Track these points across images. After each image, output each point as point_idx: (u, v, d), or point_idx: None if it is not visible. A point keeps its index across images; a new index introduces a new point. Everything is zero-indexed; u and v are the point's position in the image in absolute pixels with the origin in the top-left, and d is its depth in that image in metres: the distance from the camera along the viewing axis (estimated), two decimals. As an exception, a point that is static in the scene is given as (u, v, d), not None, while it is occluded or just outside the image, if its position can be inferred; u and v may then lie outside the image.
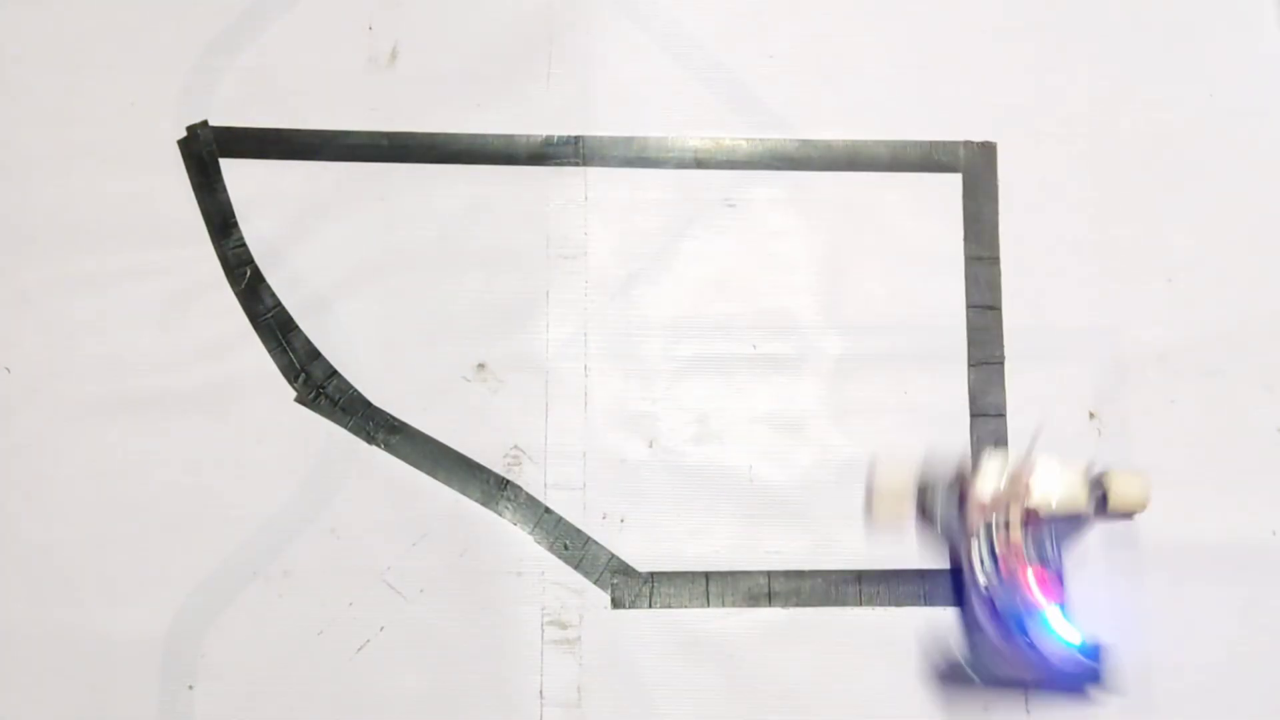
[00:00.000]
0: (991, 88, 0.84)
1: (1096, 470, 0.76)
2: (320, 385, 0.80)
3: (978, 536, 0.74)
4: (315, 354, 0.80)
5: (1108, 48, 0.85)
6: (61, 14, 0.83)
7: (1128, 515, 0.78)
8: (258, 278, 0.81)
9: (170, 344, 0.80)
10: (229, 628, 0.77)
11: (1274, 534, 0.80)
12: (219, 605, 0.77)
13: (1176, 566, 0.79)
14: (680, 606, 0.79)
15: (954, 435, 0.80)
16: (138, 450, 0.79)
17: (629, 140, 0.83)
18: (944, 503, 0.77)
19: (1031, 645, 0.72)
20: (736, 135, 0.83)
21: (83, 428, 0.79)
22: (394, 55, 0.84)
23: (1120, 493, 0.76)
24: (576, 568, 0.78)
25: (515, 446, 0.80)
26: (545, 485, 0.80)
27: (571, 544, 0.79)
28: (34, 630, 0.77)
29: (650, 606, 0.78)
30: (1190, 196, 0.83)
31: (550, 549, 0.79)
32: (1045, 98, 0.84)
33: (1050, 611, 0.72)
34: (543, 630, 0.78)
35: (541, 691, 0.77)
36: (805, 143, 0.84)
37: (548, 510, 0.79)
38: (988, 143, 0.84)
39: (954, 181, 0.83)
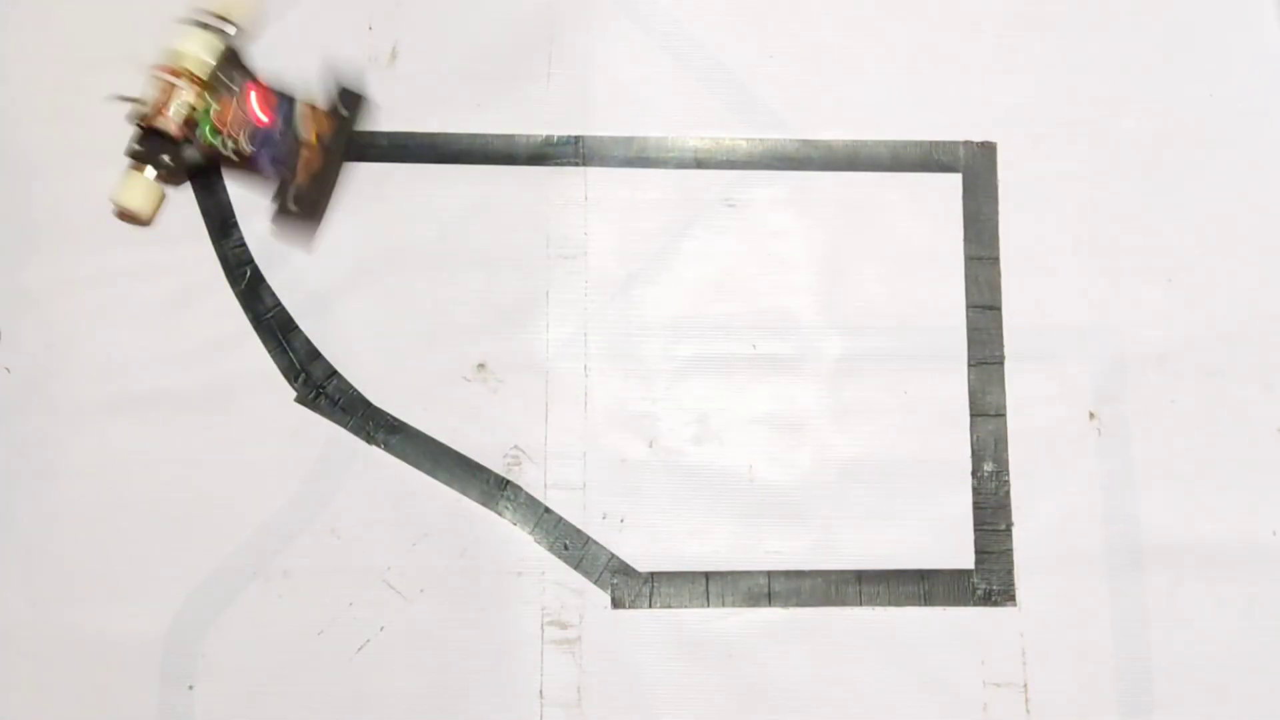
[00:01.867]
0: (991, 88, 0.84)
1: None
2: (320, 385, 0.80)
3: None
4: (315, 354, 0.80)
5: (1108, 48, 0.85)
6: (61, 14, 0.83)
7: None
8: (258, 278, 0.81)
9: (170, 344, 0.80)
10: (229, 628, 0.77)
11: (1274, 534, 0.80)
12: (219, 605, 0.77)
13: (1176, 566, 0.79)
14: (680, 606, 0.79)
15: (954, 435, 0.80)
16: (138, 450, 0.79)
17: (629, 140, 0.83)
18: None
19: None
20: (736, 135, 0.83)
21: (83, 428, 0.79)
22: (394, 55, 0.84)
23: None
24: (576, 568, 0.79)
25: (515, 446, 0.80)
26: (545, 485, 0.80)
27: (571, 544, 0.79)
28: (34, 630, 0.77)
29: (650, 606, 0.78)
30: (1190, 196, 0.83)
31: (550, 549, 0.79)
32: (1045, 98, 0.84)
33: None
34: (543, 630, 0.78)
35: (541, 691, 0.77)
36: (805, 143, 0.84)
37: (548, 510, 0.79)
38: (988, 143, 0.84)
39: (954, 181, 0.83)
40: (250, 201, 0.81)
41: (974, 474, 0.80)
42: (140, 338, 0.80)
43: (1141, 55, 0.85)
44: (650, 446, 0.80)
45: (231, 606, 0.77)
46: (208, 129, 0.76)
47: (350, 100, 0.78)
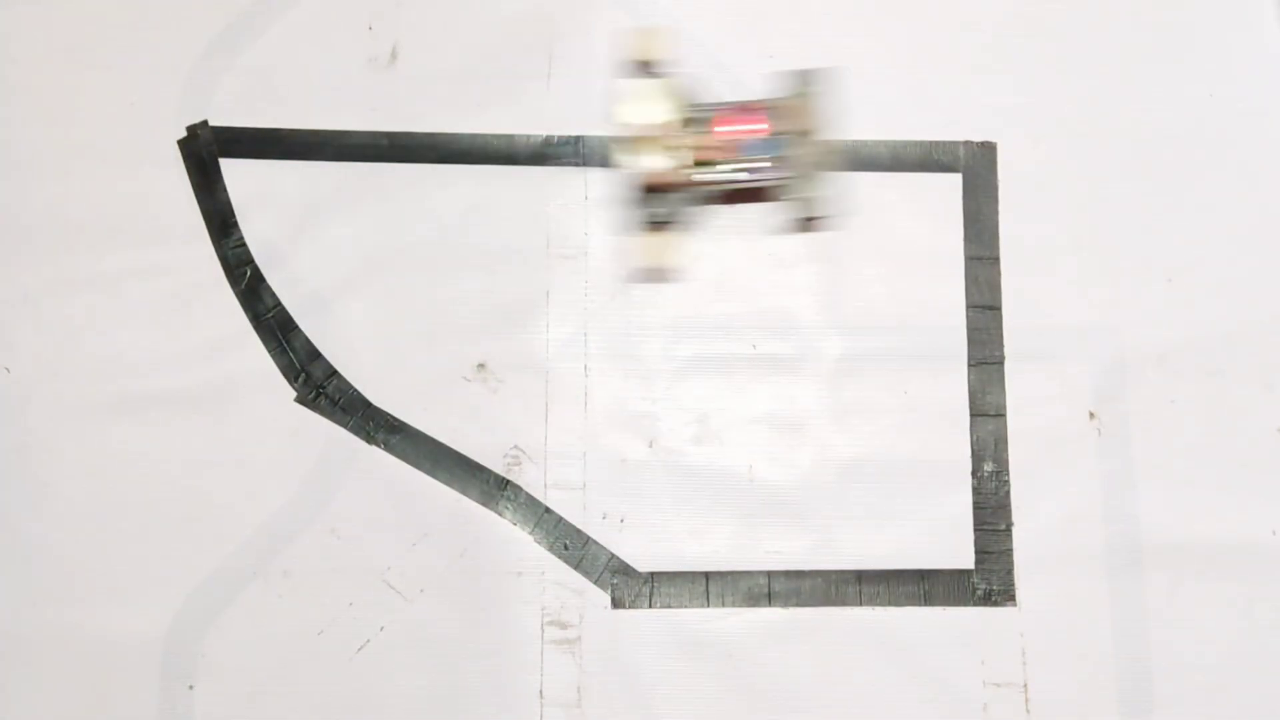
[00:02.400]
0: (991, 88, 0.84)
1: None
2: (320, 385, 0.80)
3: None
4: (315, 354, 0.80)
5: (1108, 48, 0.85)
6: (61, 14, 0.83)
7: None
8: (258, 278, 0.81)
9: (170, 344, 0.80)
10: (229, 628, 0.77)
11: (1274, 534, 0.80)
12: (219, 605, 0.77)
13: (1176, 566, 0.79)
14: (680, 606, 0.79)
15: (954, 435, 0.80)
16: (138, 450, 0.79)
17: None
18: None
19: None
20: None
21: (83, 428, 0.79)
22: (394, 55, 0.84)
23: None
24: (576, 568, 0.79)
25: (515, 446, 0.80)
26: (545, 485, 0.80)
27: (571, 544, 0.79)
28: (34, 630, 0.77)
29: (650, 606, 0.78)
30: (1190, 196, 0.83)
31: (550, 549, 0.79)
32: (1045, 98, 0.84)
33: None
34: (543, 630, 0.78)
35: (541, 691, 0.77)
36: (805, 143, 0.83)
37: (548, 510, 0.79)
38: (988, 143, 0.84)
39: (954, 181, 0.83)
40: (250, 201, 0.81)
41: (974, 474, 0.80)
42: (140, 338, 0.80)
43: (1141, 55, 0.85)
44: (650, 446, 0.80)
45: (231, 606, 0.77)
46: (703, 166, 0.73)
47: (811, 78, 0.75)
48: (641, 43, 0.75)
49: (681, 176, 0.73)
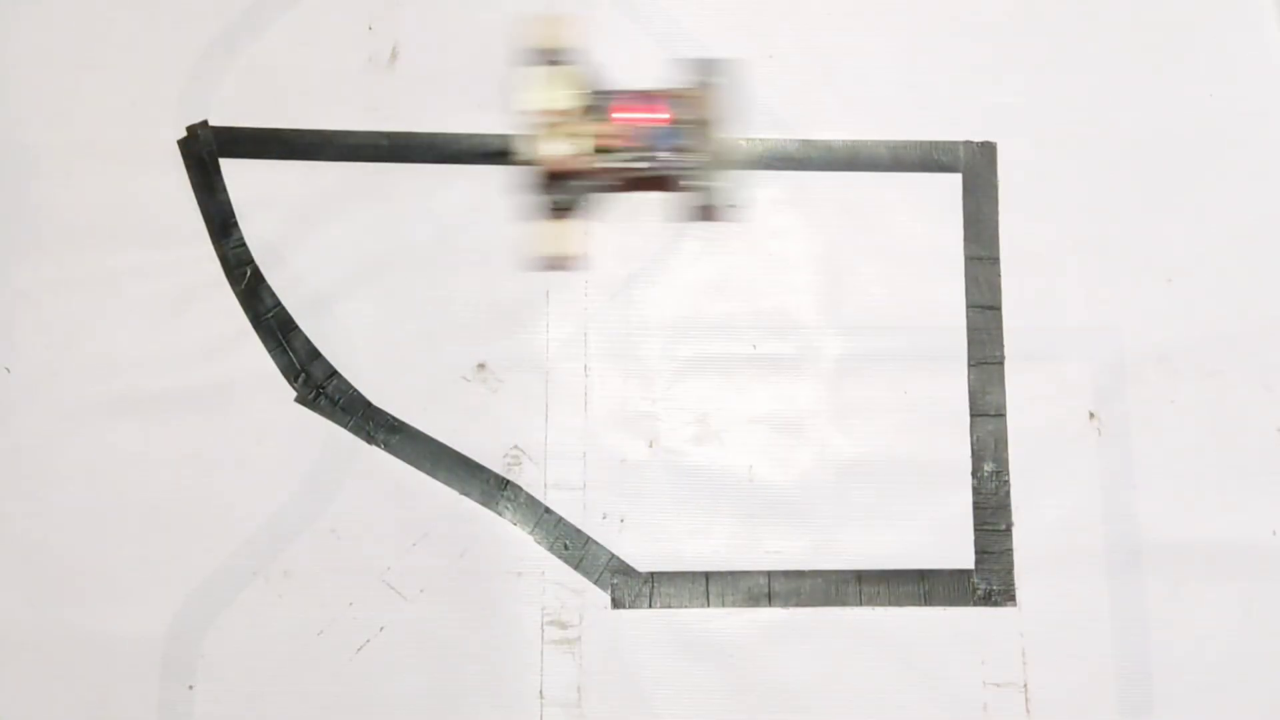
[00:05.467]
0: (991, 88, 0.84)
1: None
2: (320, 385, 0.80)
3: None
4: (315, 354, 0.80)
5: (1108, 48, 0.85)
6: (61, 14, 0.83)
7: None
8: (258, 278, 0.81)
9: (170, 344, 0.80)
10: (229, 628, 0.77)
11: (1274, 534, 0.80)
12: (219, 605, 0.77)
13: (1176, 566, 0.79)
14: (680, 606, 0.79)
15: (954, 435, 0.80)
16: (138, 450, 0.79)
17: (629, 140, 0.83)
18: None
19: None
20: (736, 135, 0.83)
21: (83, 428, 0.79)
22: (394, 55, 0.84)
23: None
24: (576, 568, 0.79)
25: (515, 446, 0.80)
26: (545, 485, 0.80)
27: (571, 544, 0.79)
28: (34, 630, 0.77)
29: (650, 606, 0.78)
30: (1190, 196, 0.83)
31: (550, 549, 0.79)
32: (1045, 98, 0.84)
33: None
34: (543, 630, 0.78)
35: (541, 691, 0.77)
36: (805, 143, 0.83)
37: (548, 510, 0.79)
38: (988, 143, 0.84)
39: (954, 181, 0.83)
40: (250, 201, 0.81)
41: (974, 474, 0.80)
42: (140, 338, 0.80)
43: (1141, 55, 0.85)
44: (650, 446, 0.80)
45: (231, 606, 0.77)
46: (605, 153, 0.73)
47: (713, 68, 0.75)
48: (545, 30, 0.75)
49: (582, 163, 0.73)
